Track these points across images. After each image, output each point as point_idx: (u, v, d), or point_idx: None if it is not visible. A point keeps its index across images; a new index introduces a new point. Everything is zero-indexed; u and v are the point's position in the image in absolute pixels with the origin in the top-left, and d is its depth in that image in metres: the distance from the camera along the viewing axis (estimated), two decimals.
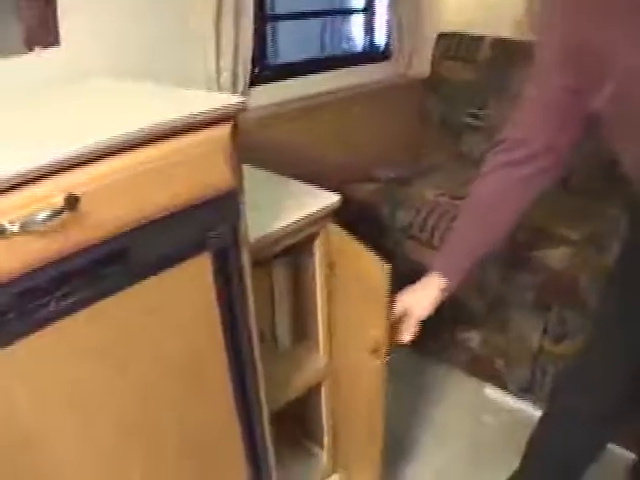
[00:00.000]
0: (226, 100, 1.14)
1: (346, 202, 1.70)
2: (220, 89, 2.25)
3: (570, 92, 1.28)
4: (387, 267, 1.47)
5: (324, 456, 2.09)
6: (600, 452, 1.71)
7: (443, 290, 1.51)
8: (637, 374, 1.53)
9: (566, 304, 2.12)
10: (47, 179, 0.94)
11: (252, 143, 2.25)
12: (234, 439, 1.49)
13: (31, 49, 1.66)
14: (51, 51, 1.70)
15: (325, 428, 2.01)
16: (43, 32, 1.67)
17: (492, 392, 2.49)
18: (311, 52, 3.40)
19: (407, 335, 1.55)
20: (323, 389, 1.92)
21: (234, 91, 2.31)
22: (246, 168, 1.77)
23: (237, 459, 1.53)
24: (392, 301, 1.52)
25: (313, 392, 1.92)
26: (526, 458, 1.83)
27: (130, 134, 1.01)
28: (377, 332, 1.56)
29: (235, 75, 2.30)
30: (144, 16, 1.94)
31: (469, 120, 2.99)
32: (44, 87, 1.47)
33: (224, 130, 1.13)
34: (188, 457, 1.41)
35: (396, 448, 1.97)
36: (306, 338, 1.90)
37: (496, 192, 1.44)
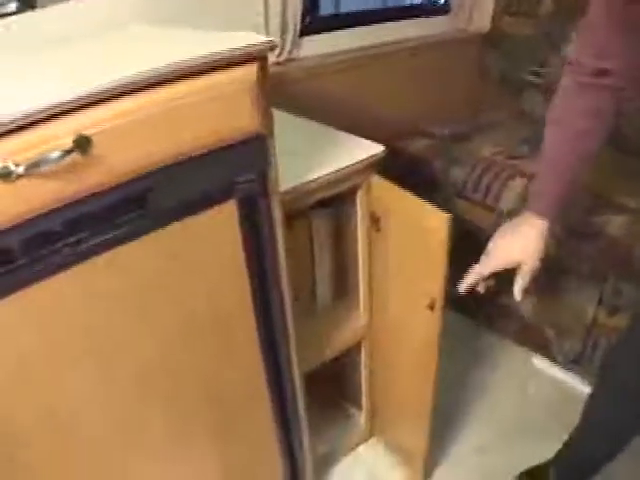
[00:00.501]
0: (252, 39, 1.06)
1: (397, 157, 1.63)
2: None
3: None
4: (446, 216, 1.37)
5: (362, 418, 2.05)
6: None
7: (543, 231, 1.41)
8: None
9: (622, 275, 2.01)
10: (57, 119, 0.89)
11: (302, 93, 2.22)
12: (261, 396, 1.46)
13: None
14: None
15: (364, 389, 1.96)
16: None
17: (540, 362, 2.40)
18: (372, 3, 3.29)
19: (520, 291, 1.47)
20: (363, 349, 1.86)
21: (283, 41, 2.24)
22: (291, 117, 1.78)
23: (264, 417, 1.50)
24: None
25: (352, 352, 1.86)
26: (577, 429, 1.76)
27: (145, 72, 0.95)
28: (434, 286, 1.48)
29: (284, 25, 2.22)
30: None
31: (531, 78, 2.86)
32: (82, 33, 1.43)
33: (250, 70, 1.05)
34: (211, 411, 1.39)
35: (437, 412, 1.92)
36: (347, 295, 1.84)
37: (575, 112, 1.36)
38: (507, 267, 1.45)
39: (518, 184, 2.24)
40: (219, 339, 1.30)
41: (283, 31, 2.22)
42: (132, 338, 1.14)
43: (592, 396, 1.71)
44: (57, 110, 0.89)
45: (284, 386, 1.49)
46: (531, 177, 1.49)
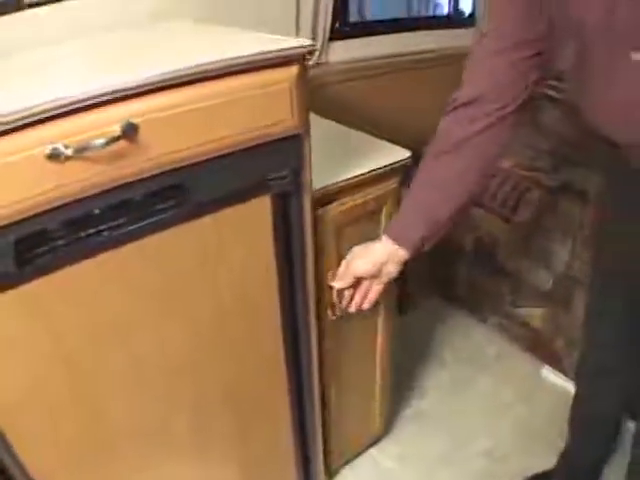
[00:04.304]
0: (294, 42, 1.09)
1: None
2: None
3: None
4: None
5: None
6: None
7: (398, 257, 1.33)
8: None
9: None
10: (107, 106, 0.92)
11: (329, 96, 2.22)
12: (280, 392, 1.50)
13: None
14: None
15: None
16: None
17: (549, 374, 2.39)
18: (398, 12, 3.33)
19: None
20: None
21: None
22: (318, 119, 1.76)
23: (282, 413, 1.55)
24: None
25: None
26: (568, 434, 1.82)
27: (196, 67, 0.98)
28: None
29: (315, 29, 2.24)
30: None
31: (549, 92, 2.87)
32: (121, 25, 1.46)
33: (290, 72, 1.08)
34: (232, 409, 1.43)
35: (445, 415, 1.92)
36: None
37: (450, 153, 1.37)
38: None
39: (535, 196, 2.27)
40: (243, 332, 1.33)
41: (313, 35, 2.24)
42: (162, 328, 1.17)
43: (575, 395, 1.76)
44: (109, 97, 0.91)
45: (303, 386, 1.53)
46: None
